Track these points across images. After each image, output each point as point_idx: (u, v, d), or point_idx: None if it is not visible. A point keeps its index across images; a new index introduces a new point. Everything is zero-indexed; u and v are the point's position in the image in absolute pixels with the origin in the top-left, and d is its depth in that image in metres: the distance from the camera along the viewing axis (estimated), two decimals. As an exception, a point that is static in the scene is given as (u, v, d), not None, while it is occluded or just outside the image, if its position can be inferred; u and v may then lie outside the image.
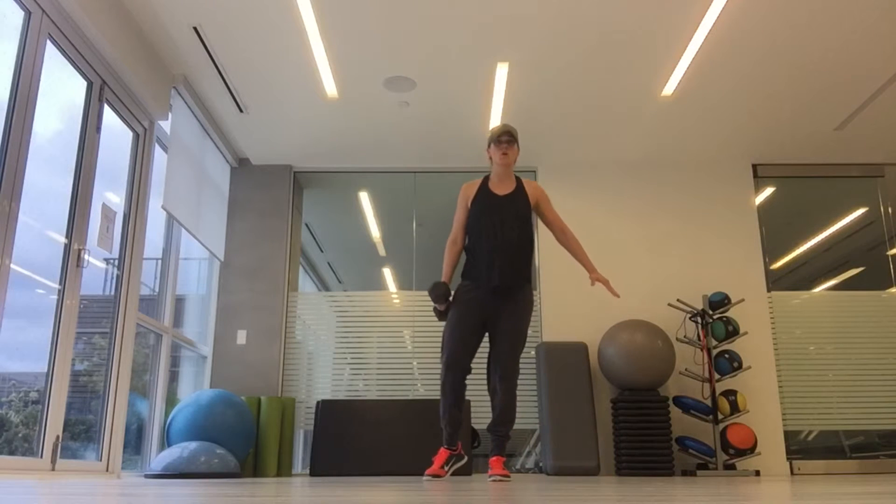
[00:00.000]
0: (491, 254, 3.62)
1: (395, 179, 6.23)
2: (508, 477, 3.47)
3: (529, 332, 5.78)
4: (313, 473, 5.15)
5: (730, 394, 5.13)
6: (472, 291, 3.66)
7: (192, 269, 5.85)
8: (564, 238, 3.79)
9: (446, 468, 3.70)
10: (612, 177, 6.08)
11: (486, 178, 3.79)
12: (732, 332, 5.26)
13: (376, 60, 4.60)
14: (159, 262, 5.29)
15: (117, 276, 4.37)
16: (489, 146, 3.72)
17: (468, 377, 3.65)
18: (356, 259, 6.40)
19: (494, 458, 3.56)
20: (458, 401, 3.62)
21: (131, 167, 4.60)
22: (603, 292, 5.79)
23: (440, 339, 4.94)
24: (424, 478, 3.70)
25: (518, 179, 3.79)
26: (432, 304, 3.76)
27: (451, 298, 3.71)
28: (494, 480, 3.35)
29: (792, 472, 5.46)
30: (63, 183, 3.77)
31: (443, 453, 3.70)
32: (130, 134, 4.60)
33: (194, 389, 5.64)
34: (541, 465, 5.55)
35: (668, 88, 4.93)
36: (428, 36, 4.35)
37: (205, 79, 4.81)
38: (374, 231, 6.29)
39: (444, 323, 3.81)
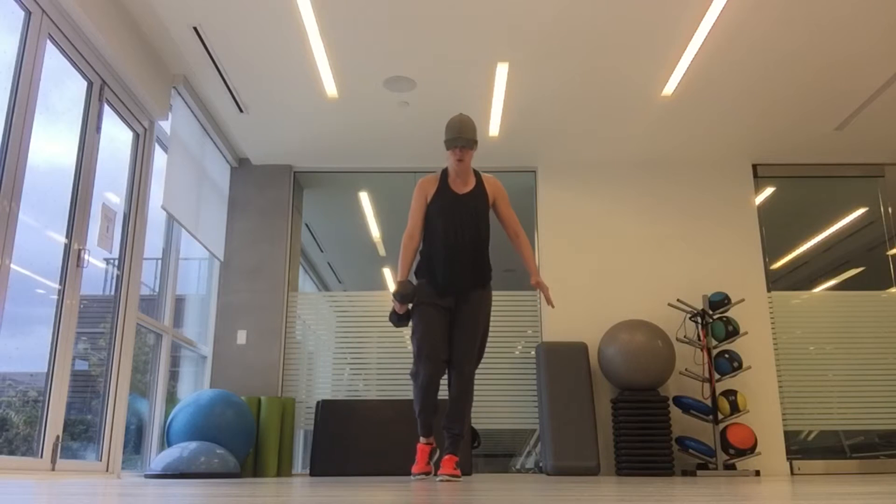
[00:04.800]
0: (447, 258, 3.60)
1: (395, 179, 6.23)
2: (459, 477, 3.40)
3: (529, 332, 5.81)
4: (313, 473, 5.15)
5: (730, 394, 5.13)
6: (430, 288, 3.64)
7: (192, 269, 5.85)
8: (517, 241, 3.71)
9: (431, 463, 3.68)
10: (612, 177, 6.08)
11: (445, 174, 3.68)
12: (732, 332, 5.26)
13: (376, 60, 4.60)
14: (159, 262, 5.29)
15: (117, 276, 4.37)
16: (446, 144, 3.58)
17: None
18: (356, 259, 6.40)
19: (447, 457, 3.47)
20: (433, 396, 3.56)
21: (131, 167, 4.60)
22: (603, 292, 5.79)
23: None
24: (412, 477, 3.67)
25: (478, 175, 3.71)
26: (392, 307, 3.58)
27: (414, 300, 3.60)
28: (443, 480, 3.29)
29: (792, 472, 5.46)
30: None
31: (424, 448, 3.65)
32: (130, 134, 4.60)
33: (194, 389, 5.64)
34: (541, 465, 5.55)
35: (668, 88, 4.93)
36: (428, 36, 4.35)
37: (205, 79, 4.81)
38: (374, 231, 6.29)
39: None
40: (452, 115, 3.59)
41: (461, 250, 3.60)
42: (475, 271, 3.64)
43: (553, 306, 3.62)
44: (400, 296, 3.50)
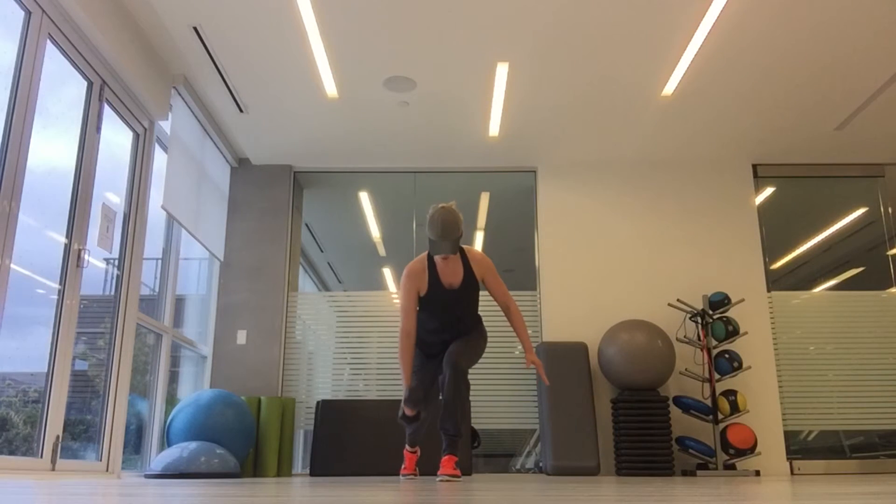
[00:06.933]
0: (436, 331, 3.74)
1: (395, 179, 6.23)
2: (458, 477, 3.44)
3: (529, 332, 5.80)
4: (313, 473, 5.15)
5: (730, 394, 5.13)
6: (418, 350, 3.85)
7: (192, 269, 5.85)
8: (508, 314, 3.72)
9: (417, 467, 4.03)
10: (612, 177, 6.08)
11: (432, 262, 3.63)
12: (732, 332, 5.26)
13: (376, 60, 4.59)
14: (159, 262, 5.29)
15: (117, 276, 4.37)
16: (429, 245, 3.49)
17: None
18: (356, 259, 6.40)
19: (446, 457, 3.52)
20: (419, 428, 3.86)
21: (131, 167, 4.60)
22: (603, 292, 5.79)
23: None
24: (401, 477, 3.80)
25: (464, 257, 3.64)
26: (402, 409, 3.59)
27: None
28: (442, 480, 3.33)
29: (792, 472, 5.46)
30: None
31: (409, 455, 3.96)
32: (130, 134, 4.60)
33: (194, 389, 5.64)
34: (541, 465, 5.55)
35: (668, 88, 4.93)
36: (428, 36, 4.35)
37: (205, 79, 4.81)
38: (374, 231, 6.29)
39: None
40: (433, 209, 3.46)
41: (448, 329, 3.73)
42: (461, 331, 3.76)
43: (547, 383, 3.73)
44: (412, 403, 3.54)
